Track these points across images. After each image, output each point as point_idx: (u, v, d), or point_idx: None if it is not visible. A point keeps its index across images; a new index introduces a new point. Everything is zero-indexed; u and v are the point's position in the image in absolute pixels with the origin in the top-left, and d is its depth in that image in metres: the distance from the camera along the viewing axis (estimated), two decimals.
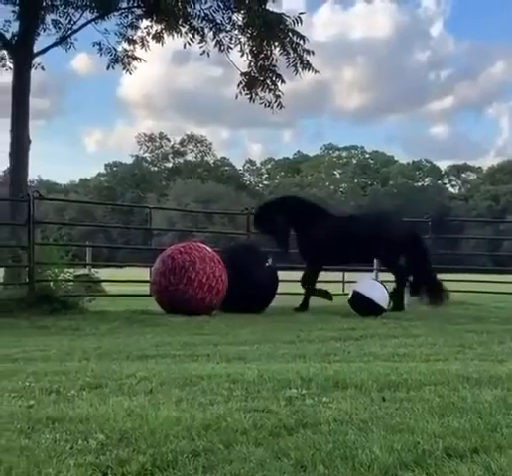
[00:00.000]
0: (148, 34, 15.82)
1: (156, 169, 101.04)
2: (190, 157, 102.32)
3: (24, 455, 3.53)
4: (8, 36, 14.10)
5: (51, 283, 12.81)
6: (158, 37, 15.69)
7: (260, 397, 4.87)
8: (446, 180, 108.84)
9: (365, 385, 5.15)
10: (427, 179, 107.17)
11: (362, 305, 12.20)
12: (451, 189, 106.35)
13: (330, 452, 3.53)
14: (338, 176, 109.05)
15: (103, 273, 18.95)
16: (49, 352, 7.27)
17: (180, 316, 11.80)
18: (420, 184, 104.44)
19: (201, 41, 15.30)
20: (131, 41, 15.87)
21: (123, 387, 5.29)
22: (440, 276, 14.11)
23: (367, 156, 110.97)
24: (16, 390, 5.13)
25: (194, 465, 3.42)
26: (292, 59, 15.15)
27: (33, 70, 13.98)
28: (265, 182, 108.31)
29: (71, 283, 14.26)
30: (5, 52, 14.48)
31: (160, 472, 3.34)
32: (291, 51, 15.07)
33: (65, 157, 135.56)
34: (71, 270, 14.69)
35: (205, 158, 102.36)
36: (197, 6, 15.10)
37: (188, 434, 3.85)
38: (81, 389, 5.21)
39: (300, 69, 15.13)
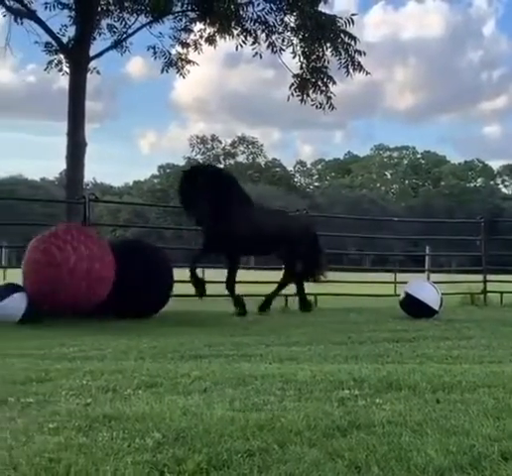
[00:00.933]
0: (201, 37, 15.94)
1: None
2: (241, 158, 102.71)
3: (82, 453, 3.59)
4: (65, 40, 14.35)
5: None
6: (211, 40, 15.80)
7: (313, 397, 4.89)
8: (498, 181, 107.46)
9: (418, 386, 5.14)
10: (479, 180, 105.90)
11: (414, 307, 12.12)
12: (504, 190, 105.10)
13: (385, 454, 3.54)
14: (389, 176, 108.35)
15: None
16: (105, 351, 7.38)
17: (232, 317, 11.90)
18: (472, 185, 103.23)
19: (254, 43, 15.36)
20: (184, 44, 16.01)
21: (178, 386, 5.36)
22: (493, 277, 13.90)
23: (418, 156, 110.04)
24: (74, 388, 5.22)
25: (249, 465, 3.45)
26: (343, 61, 15.14)
27: (89, 74, 14.21)
28: (316, 184, 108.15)
29: None
30: (62, 56, 14.71)
31: (215, 471, 3.38)
32: (342, 52, 15.06)
33: (120, 159, 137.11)
34: None
35: (256, 159, 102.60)
36: (250, 9, 15.19)
37: (242, 434, 3.89)
38: (137, 388, 5.28)
39: (351, 70, 15.11)
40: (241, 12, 15.17)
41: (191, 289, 15.33)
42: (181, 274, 13.18)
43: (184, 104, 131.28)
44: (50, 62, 14.98)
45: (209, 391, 5.19)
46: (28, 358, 6.80)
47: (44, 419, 4.23)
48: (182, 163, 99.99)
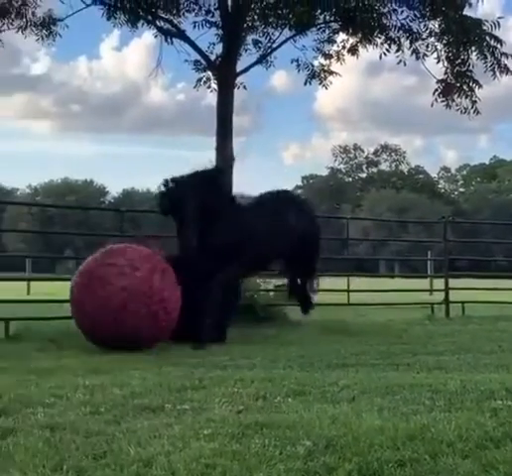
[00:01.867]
0: (344, 48, 15.95)
1: (350, 179, 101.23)
2: (383, 166, 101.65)
3: (236, 459, 3.69)
4: (213, 58, 14.70)
5: (254, 293, 13.19)
6: (353, 50, 15.81)
7: (464, 408, 4.84)
8: None
9: None
10: None
11: None
12: None
13: None
14: None
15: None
16: (254, 360, 7.53)
17: (376, 325, 11.85)
18: None
19: (397, 51, 15.28)
20: (327, 56, 16.05)
21: (326, 394, 5.43)
22: None
23: None
24: (226, 395, 5.37)
25: (400, 475, 3.47)
26: (489, 64, 14.84)
27: (235, 90, 14.50)
28: (461, 189, 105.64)
29: (273, 292, 14.65)
30: (210, 73, 15.08)
31: None
32: (488, 55, 14.77)
33: (264, 171, 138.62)
34: (273, 280, 15.12)
35: (399, 167, 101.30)
36: (393, 17, 15.11)
37: (392, 443, 3.90)
38: (286, 396, 5.38)
39: (498, 74, 14.81)
40: (384, 21, 15.12)
41: (334, 297, 15.41)
42: (319, 283, 13.21)
43: (326, 115, 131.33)
44: (199, 80, 15.36)
45: (358, 399, 5.22)
46: (182, 367, 7.03)
47: (199, 426, 4.36)
48: (324, 173, 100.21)
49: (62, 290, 12.50)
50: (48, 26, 14.88)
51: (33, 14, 14.75)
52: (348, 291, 15.93)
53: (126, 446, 3.91)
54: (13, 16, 14.53)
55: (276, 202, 10.54)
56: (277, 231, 10.01)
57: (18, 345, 8.79)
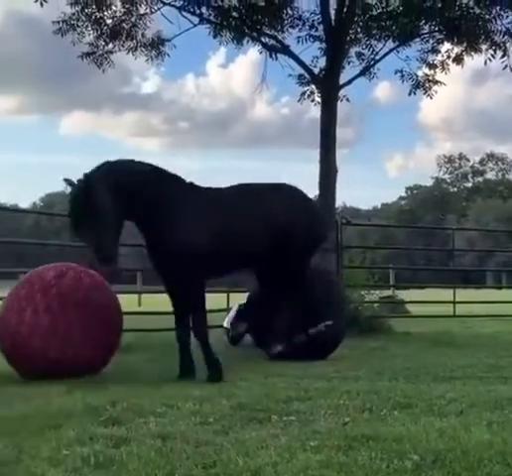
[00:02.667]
0: (448, 57, 15.84)
1: (455, 189, 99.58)
2: (490, 175, 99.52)
3: (343, 471, 3.71)
4: (316, 71, 14.84)
5: (358, 305, 13.17)
6: (458, 59, 15.67)
7: None
8: None
9: None
10: None
11: None
12: None
13: None
14: None
15: (405, 294, 19.14)
16: (359, 372, 7.51)
17: (483, 337, 11.64)
18: None
19: (503, 56, 15.05)
20: (432, 65, 15.96)
21: (433, 408, 5.39)
22: None
23: None
24: (332, 407, 5.39)
25: None
26: None
27: (339, 102, 14.59)
28: None
29: (377, 304, 14.61)
30: (314, 87, 15.22)
31: None
32: None
33: (368, 183, 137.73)
34: (377, 292, 15.08)
35: (506, 176, 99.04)
36: (498, 22, 14.89)
37: (502, 458, 3.85)
38: (392, 408, 5.36)
39: None
40: (489, 27, 14.92)
41: (440, 308, 15.21)
42: (425, 294, 13.11)
43: (430, 124, 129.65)
44: (302, 94, 15.53)
45: (465, 413, 5.17)
46: (288, 377, 7.07)
47: (305, 437, 4.39)
48: (429, 183, 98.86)
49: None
50: (156, 46, 15.36)
51: (142, 35, 15.28)
52: (454, 302, 15.70)
53: (235, 456, 3.99)
54: (124, 38, 15.07)
55: (260, 194, 8.24)
56: (249, 226, 7.83)
57: (130, 356, 9.03)
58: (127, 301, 14.12)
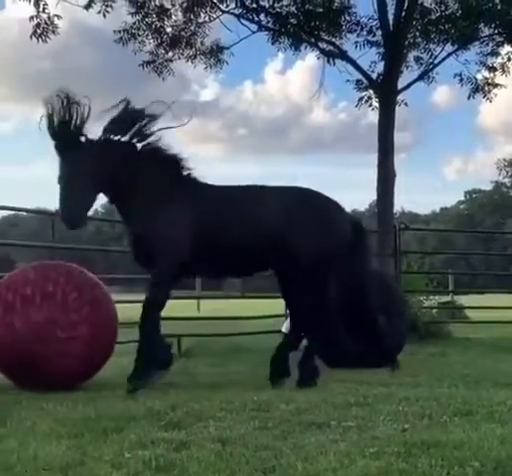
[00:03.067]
0: (509, 60, 15.69)
1: None
2: None
3: None
4: (374, 76, 14.84)
5: (417, 310, 13.08)
6: None
7: None
8: None
9: None
10: None
11: None
12: None
13: None
14: None
15: (465, 299, 18.93)
16: (418, 378, 7.46)
17: None
18: None
19: None
20: (491, 68, 15.82)
21: (494, 414, 5.31)
22: None
23: None
24: (391, 413, 5.35)
25: None
26: None
27: (397, 107, 14.57)
28: None
29: (436, 310, 14.49)
30: (371, 91, 15.21)
31: None
32: None
33: (426, 187, 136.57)
34: (436, 297, 14.95)
35: None
36: None
37: None
38: (453, 415, 5.30)
39: None
40: None
41: (501, 314, 14.98)
42: (484, 300, 12.94)
43: (490, 128, 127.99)
44: (360, 99, 15.53)
45: None
46: (346, 383, 7.06)
47: (364, 443, 4.37)
48: (488, 187, 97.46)
49: (229, 307, 12.92)
50: (215, 54, 15.53)
51: (201, 43, 15.48)
52: None
53: (294, 461, 4.01)
54: (183, 46, 15.28)
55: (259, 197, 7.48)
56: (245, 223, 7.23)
57: (189, 361, 9.12)
58: (186, 307, 14.30)
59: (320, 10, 14.67)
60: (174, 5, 15.16)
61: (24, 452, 4.23)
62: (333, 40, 14.95)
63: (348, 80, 15.50)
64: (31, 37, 14.48)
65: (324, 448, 4.29)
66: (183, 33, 15.36)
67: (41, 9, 14.31)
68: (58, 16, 14.47)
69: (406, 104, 15.35)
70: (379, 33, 14.66)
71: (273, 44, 15.10)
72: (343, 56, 14.87)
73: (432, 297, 14.51)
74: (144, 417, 5.22)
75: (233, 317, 11.85)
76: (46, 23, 14.39)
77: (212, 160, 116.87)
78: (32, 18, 14.39)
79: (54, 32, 14.49)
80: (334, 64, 15.13)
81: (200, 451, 4.26)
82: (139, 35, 15.24)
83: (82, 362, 6.95)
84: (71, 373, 6.89)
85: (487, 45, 15.63)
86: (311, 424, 5.01)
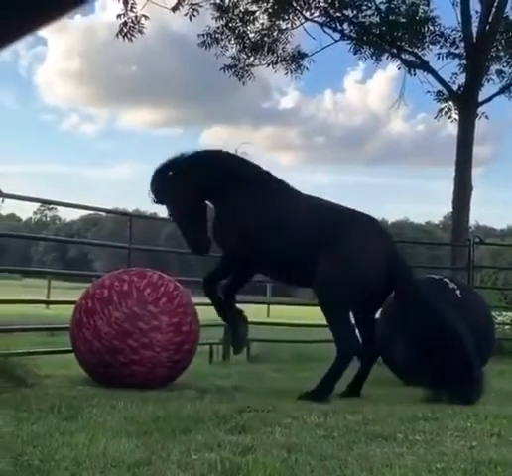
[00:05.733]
0: None
1: None
2: None
3: None
4: (455, 88, 14.73)
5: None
6: None
7: None
8: None
9: None
10: None
11: None
12: None
13: None
14: None
15: None
16: (488, 395, 7.32)
17: None
18: None
19: None
20: None
21: None
22: None
23: None
24: (459, 430, 5.30)
25: None
26: None
27: (477, 120, 14.43)
28: None
29: (508, 326, 14.24)
30: (451, 103, 15.10)
31: None
32: None
33: (503, 202, 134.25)
34: (509, 313, 14.69)
35: None
36: None
37: None
38: None
39: None
40: None
41: None
42: None
43: None
44: (440, 110, 15.44)
45: None
46: (414, 396, 6.95)
47: (431, 459, 4.35)
48: None
49: (299, 314, 12.90)
50: (296, 60, 15.61)
51: (283, 49, 15.56)
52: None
53: (359, 473, 4.01)
54: (265, 51, 15.41)
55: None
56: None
57: (258, 366, 9.17)
58: (256, 312, 14.36)
59: (404, 20, 14.63)
60: (260, 7, 15.30)
61: (93, 448, 4.33)
62: (415, 50, 14.90)
63: (429, 92, 15.44)
64: (117, 35, 14.79)
65: (390, 461, 4.28)
66: (265, 38, 15.50)
67: (129, 8, 14.61)
68: (145, 16, 14.76)
69: (486, 117, 15.18)
70: (462, 44, 14.54)
71: (355, 53, 15.14)
72: (425, 66, 14.79)
73: (505, 314, 14.26)
74: (211, 420, 5.28)
75: (303, 325, 11.88)
76: (132, 22, 14.68)
77: (288, 167, 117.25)
78: (119, 16, 14.71)
79: (140, 31, 14.78)
80: (415, 75, 15.09)
81: (266, 457, 4.29)
82: (222, 39, 15.45)
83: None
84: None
85: None
86: (377, 436, 5.00)
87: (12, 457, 4.05)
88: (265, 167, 7.55)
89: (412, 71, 15.02)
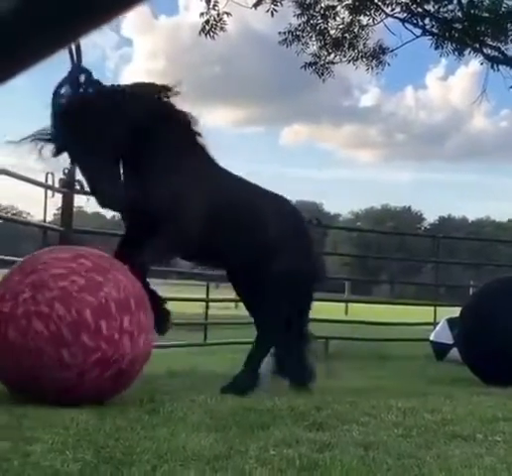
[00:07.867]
0: None
1: None
2: None
3: None
4: None
5: None
6: None
7: None
8: None
9: None
10: None
11: None
12: None
13: None
14: None
15: None
16: None
17: None
18: None
19: None
20: None
21: None
22: None
23: None
24: None
25: None
26: None
27: None
28: None
29: None
30: None
31: None
32: None
33: None
34: None
35: None
36: None
37: None
38: None
39: None
40: None
41: None
42: None
43: None
44: None
45: None
46: (494, 396, 6.90)
47: (511, 459, 4.31)
48: None
49: (377, 312, 12.82)
50: (377, 56, 15.53)
51: (364, 45, 15.50)
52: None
53: (437, 472, 3.99)
54: (346, 48, 15.38)
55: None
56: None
57: (335, 363, 9.17)
58: (334, 310, 14.36)
59: (487, 15, 14.38)
60: (341, 2, 15.27)
61: (174, 442, 4.40)
62: (499, 45, 14.65)
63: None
64: (199, 33, 14.94)
65: (469, 462, 4.24)
66: (346, 35, 15.47)
67: (211, 6, 14.75)
68: (227, 13, 14.86)
69: None
70: None
71: (436, 48, 14.95)
72: (508, 61, 14.54)
73: None
74: (289, 416, 5.32)
75: (381, 323, 11.82)
76: (215, 20, 14.80)
77: (368, 165, 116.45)
78: (202, 14, 14.85)
79: (222, 29, 14.90)
80: (498, 70, 14.82)
81: (343, 454, 4.29)
82: (303, 36, 15.48)
83: None
84: None
85: None
86: (455, 436, 4.95)
87: (95, 449, 4.16)
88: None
89: (495, 67, 14.77)
